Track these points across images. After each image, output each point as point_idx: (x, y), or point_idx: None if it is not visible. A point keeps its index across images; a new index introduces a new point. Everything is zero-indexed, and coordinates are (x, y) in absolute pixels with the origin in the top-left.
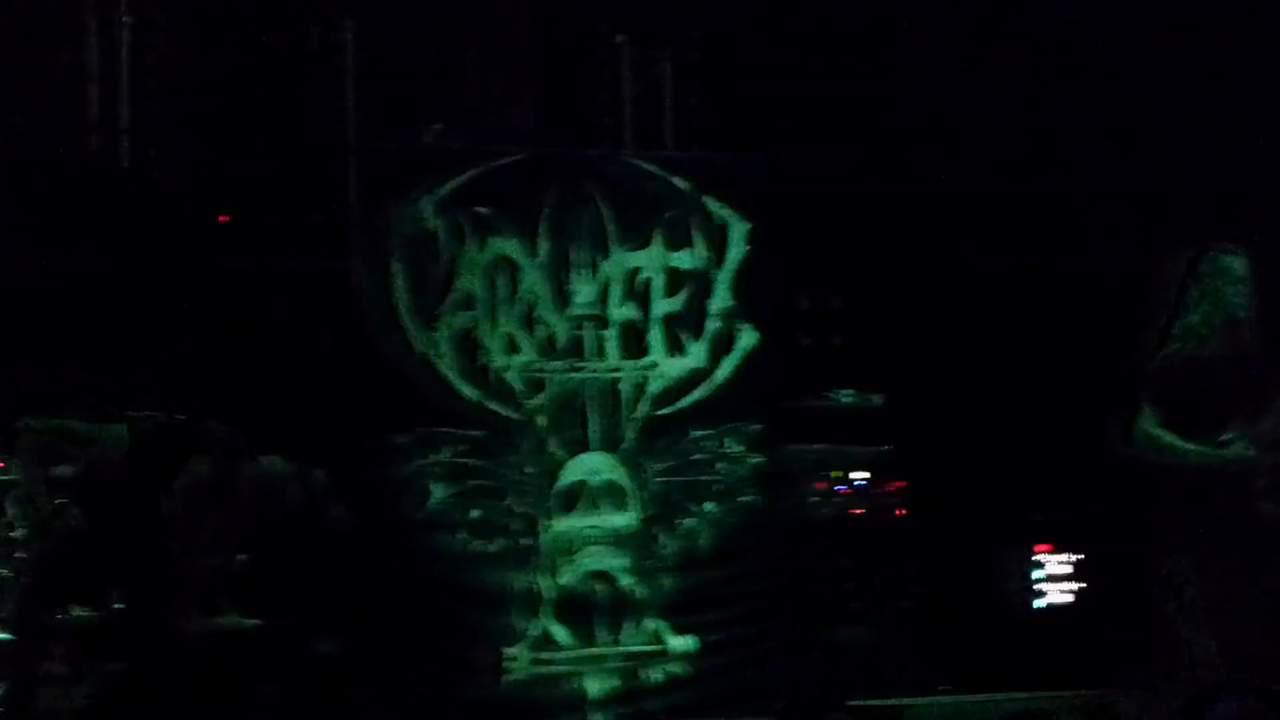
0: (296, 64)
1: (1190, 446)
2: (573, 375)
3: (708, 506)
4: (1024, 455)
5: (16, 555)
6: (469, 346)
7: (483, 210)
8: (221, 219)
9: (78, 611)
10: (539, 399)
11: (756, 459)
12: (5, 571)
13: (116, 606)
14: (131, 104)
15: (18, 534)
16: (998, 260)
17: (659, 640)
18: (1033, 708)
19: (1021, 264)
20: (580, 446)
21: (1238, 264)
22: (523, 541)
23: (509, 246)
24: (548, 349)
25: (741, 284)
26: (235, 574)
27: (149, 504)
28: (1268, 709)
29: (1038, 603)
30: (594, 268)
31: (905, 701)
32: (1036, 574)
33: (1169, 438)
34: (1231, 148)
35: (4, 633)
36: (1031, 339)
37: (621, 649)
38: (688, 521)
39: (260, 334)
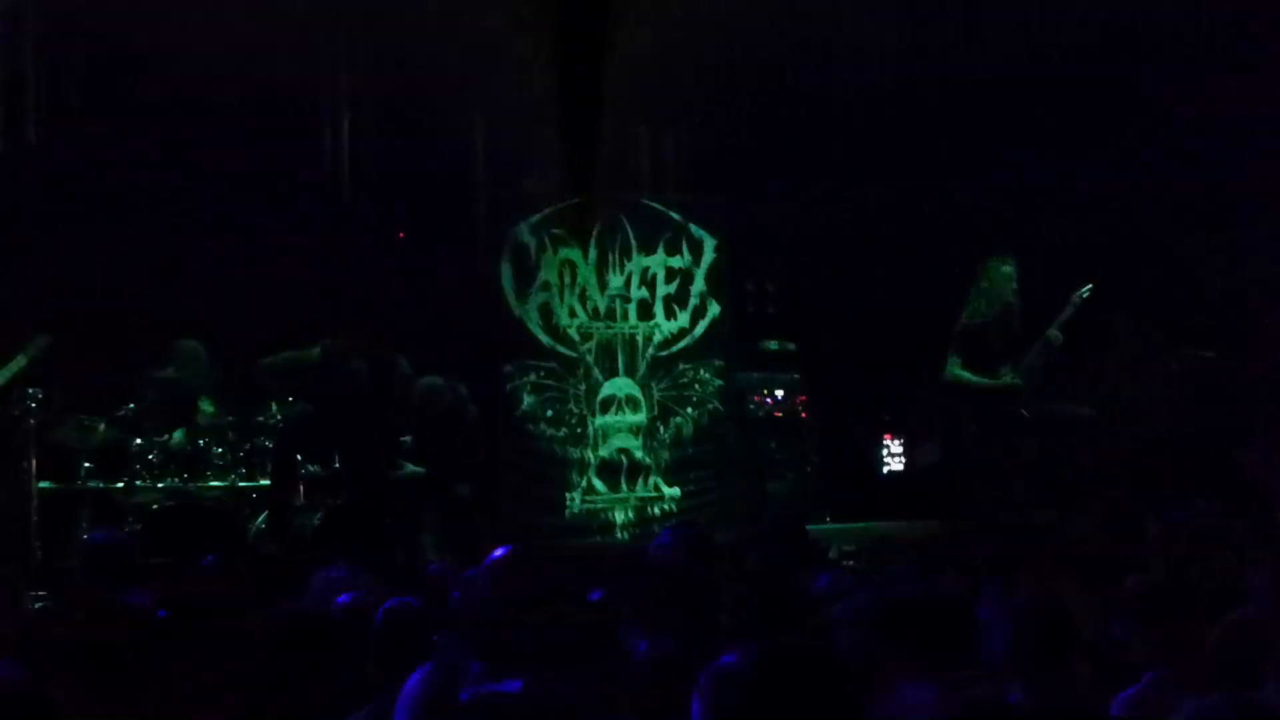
0: (455, 144)
1: (978, 379)
2: (608, 331)
3: (689, 410)
4: (881, 381)
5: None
6: (546, 313)
7: (556, 230)
8: (400, 235)
9: (312, 467)
10: (588, 345)
11: (719, 382)
12: (269, 443)
13: (335, 465)
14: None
15: (277, 419)
16: (876, 260)
17: (658, 490)
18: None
19: (893, 265)
20: (613, 374)
21: (1006, 267)
22: (578, 430)
23: (571, 253)
24: (594, 315)
25: (711, 276)
26: (410, 446)
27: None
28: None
29: (885, 469)
30: (622, 265)
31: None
32: (884, 452)
33: (965, 374)
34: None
35: (268, 480)
36: (890, 311)
37: (635, 495)
38: (676, 419)
39: (429, 302)
